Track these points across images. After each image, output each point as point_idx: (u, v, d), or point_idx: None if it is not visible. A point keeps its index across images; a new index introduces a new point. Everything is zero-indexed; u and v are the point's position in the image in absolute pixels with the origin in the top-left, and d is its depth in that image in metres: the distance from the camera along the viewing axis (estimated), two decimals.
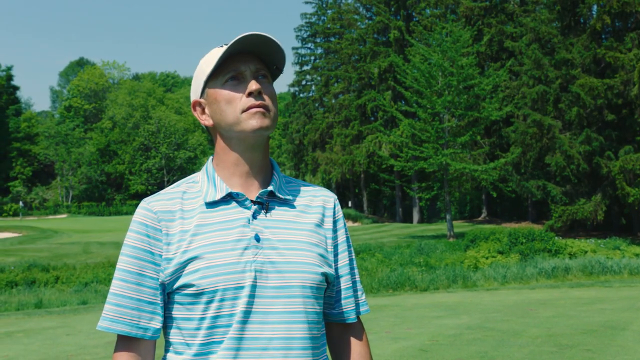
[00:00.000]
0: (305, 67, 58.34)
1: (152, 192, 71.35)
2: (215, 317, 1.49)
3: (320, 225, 1.63)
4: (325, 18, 56.73)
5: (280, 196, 1.61)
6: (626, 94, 27.36)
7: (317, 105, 56.51)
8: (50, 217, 66.60)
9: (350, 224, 44.62)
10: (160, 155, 71.17)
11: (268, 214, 1.58)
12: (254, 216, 1.56)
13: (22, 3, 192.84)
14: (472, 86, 29.50)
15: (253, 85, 1.54)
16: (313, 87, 57.89)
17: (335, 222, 1.68)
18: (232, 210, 1.57)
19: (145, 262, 1.55)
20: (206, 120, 1.63)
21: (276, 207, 1.60)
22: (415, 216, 46.77)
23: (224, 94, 1.57)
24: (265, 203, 1.59)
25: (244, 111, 1.55)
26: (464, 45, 29.50)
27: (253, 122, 1.55)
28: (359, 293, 1.72)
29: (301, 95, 59.22)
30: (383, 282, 17.02)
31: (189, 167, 72.94)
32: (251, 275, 1.50)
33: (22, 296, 18.32)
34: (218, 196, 1.57)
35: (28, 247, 31.08)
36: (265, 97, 1.57)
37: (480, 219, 43.18)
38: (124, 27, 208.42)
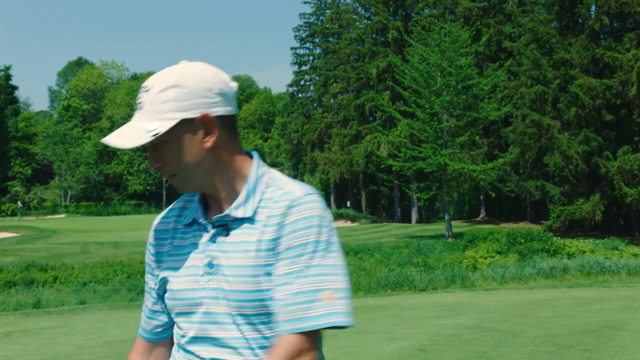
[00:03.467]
0: (303, 67, 58.38)
1: (151, 192, 71.46)
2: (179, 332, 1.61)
3: (275, 238, 1.48)
4: (323, 18, 56.74)
5: (236, 216, 1.52)
6: (624, 94, 27.38)
7: (315, 105, 56.53)
8: (49, 217, 66.56)
9: (348, 224, 44.62)
10: None
11: (229, 236, 1.53)
12: (213, 240, 1.53)
13: (20, 3, 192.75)
14: (471, 86, 29.53)
15: (149, 165, 1.58)
16: (312, 87, 57.90)
17: (282, 227, 1.47)
18: (199, 234, 1.58)
19: (149, 275, 1.69)
20: None
21: (238, 228, 1.53)
22: (414, 216, 46.78)
23: None
24: (226, 225, 1.54)
25: None
26: (462, 46, 29.51)
27: None
28: (290, 307, 1.43)
29: (300, 95, 59.24)
30: (381, 282, 17.03)
31: None
32: (201, 302, 1.52)
33: (20, 296, 18.31)
34: (189, 219, 1.60)
35: (26, 247, 31.04)
36: (165, 166, 1.53)
37: (478, 219, 43.21)
38: (122, 27, 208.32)
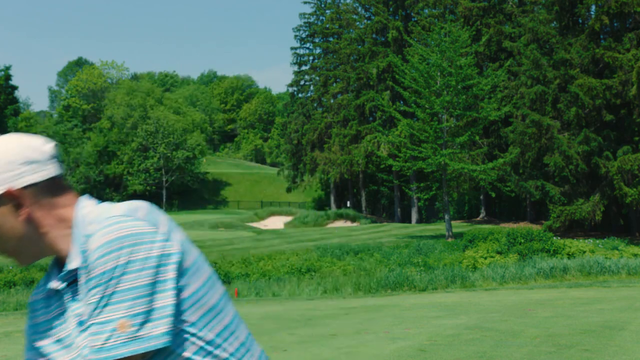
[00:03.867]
0: (303, 67, 58.35)
1: (151, 192, 71.40)
2: None
3: (81, 299, 1.41)
4: (324, 18, 56.73)
5: (76, 267, 1.43)
6: (624, 94, 27.38)
7: (315, 105, 56.52)
8: None
9: (348, 224, 44.62)
10: (159, 156, 71.16)
11: (68, 307, 1.46)
12: (74, 299, 1.46)
13: (20, 3, 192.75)
14: (471, 86, 29.53)
15: None
16: (312, 87, 57.88)
17: (85, 283, 1.38)
18: (62, 299, 1.51)
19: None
20: None
21: (69, 293, 1.46)
22: (414, 216, 46.78)
23: None
24: (75, 279, 1.45)
25: None
26: (462, 46, 29.52)
27: None
28: (91, 338, 1.35)
29: (300, 95, 59.22)
30: (382, 282, 17.03)
31: (187, 167, 72.95)
32: None
33: (20, 296, 18.30)
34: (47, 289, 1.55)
35: None
36: None
37: (478, 219, 43.20)
38: (122, 27, 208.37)
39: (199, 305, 1.46)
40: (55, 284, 1.48)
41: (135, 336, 1.34)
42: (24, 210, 1.46)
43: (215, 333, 1.48)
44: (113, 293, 1.35)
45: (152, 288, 1.37)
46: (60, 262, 1.52)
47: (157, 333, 1.36)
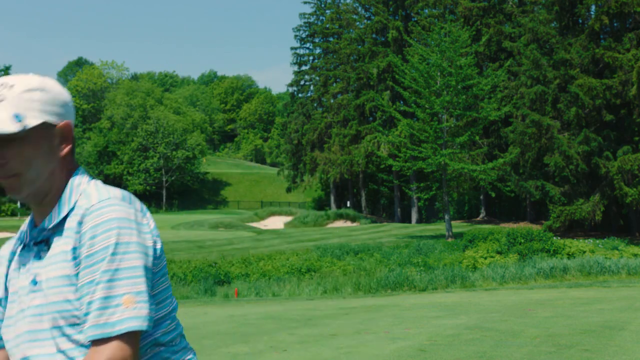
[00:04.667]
0: (303, 67, 58.33)
1: (151, 192, 71.39)
2: None
3: (75, 247, 1.49)
4: (323, 18, 56.71)
5: (48, 227, 1.54)
6: (624, 94, 27.38)
7: (315, 105, 56.50)
8: None
9: (348, 224, 44.61)
10: (159, 155, 71.12)
11: (49, 250, 1.53)
12: (38, 257, 1.54)
13: (20, 3, 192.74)
14: (471, 86, 29.53)
15: None
16: (312, 87, 57.86)
17: (81, 236, 1.48)
18: (28, 254, 1.58)
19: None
20: None
21: (55, 239, 1.53)
22: (414, 216, 46.76)
23: None
24: (47, 239, 1.55)
25: None
26: (462, 46, 29.52)
27: (7, 191, 1.54)
28: (93, 314, 1.42)
29: (300, 95, 59.19)
30: (381, 282, 17.02)
31: (187, 167, 72.92)
32: (27, 322, 1.52)
33: None
34: (20, 243, 1.63)
35: None
36: (6, 164, 1.50)
37: (478, 219, 43.20)
38: (122, 27, 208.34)
39: (160, 286, 1.59)
40: (34, 234, 1.57)
41: (139, 314, 1.43)
42: (65, 148, 1.57)
43: (162, 314, 1.60)
44: (117, 269, 1.44)
45: (146, 271, 1.49)
46: (36, 215, 1.59)
47: (149, 314, 1.45)
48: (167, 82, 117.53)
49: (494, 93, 32.81)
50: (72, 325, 1.47)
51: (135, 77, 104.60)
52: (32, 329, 1.50)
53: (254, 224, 47.75)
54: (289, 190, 60.30)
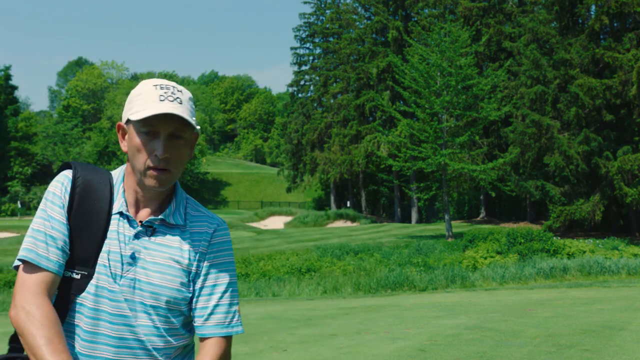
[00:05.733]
0: (303, 67, 58.32)
1: None
2: (88, 308, 1.74)
3: (195, 250, 1.79)
4: (323, 18, 56.71)
5: (170, 222, 1.79)
6: (624, 94, 27.38)
7: (315, 105, 56.49)
8: None
9: (348, 224, 44.60)
10: None
11: (153, 237, 1.77)
12: (137, 236, 1.76)
13: (20, 3, 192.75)
14: (471, 86, 29.52)
15: (159, 150, 1.70)
16: (312, 87, 57.85)
17: (210, 246, 1.81)
18: (123, 225, 1.77)
19: (60, 215, 1.82)
20: (123, 146, 1.80)
21: (163, 232, 1.79)
22: (414, 216, 46.76)
23: (136, 141, 1.72)
24: (152, 227, 1.78)
25: (146, 168, 1.72)
26: (462, 46, 29.51)
27: (149, 181, 1.73)
28: (220, 315, 1.80)
29: (300, 95, 59.18)
30: (381, 282, 17.02)
31: (187, 167, 73.06)
32: (118, 287, 1.73)
33: None
34: (115, 209, 1.78)
35: None
36: (170, 160, 1.72)
37: (478, 219, 43.20)
38: (122, 27, 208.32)
39: None
40: (152, 218, 1.78)
41: (241, 320, 1.86)
42: (192, 152, 1.82)
43: None
44: (233, 283, 1.84)
45: None
46: (140, 200, 1.80)
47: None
48: None
49: (494, 93, 32.81)
50: (170, 309, 1.79)
51: (135, 77, 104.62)
52: (125, 298, 1.76)
53: (254, 224, 47.75)
54: (289, 190, 60.29)
